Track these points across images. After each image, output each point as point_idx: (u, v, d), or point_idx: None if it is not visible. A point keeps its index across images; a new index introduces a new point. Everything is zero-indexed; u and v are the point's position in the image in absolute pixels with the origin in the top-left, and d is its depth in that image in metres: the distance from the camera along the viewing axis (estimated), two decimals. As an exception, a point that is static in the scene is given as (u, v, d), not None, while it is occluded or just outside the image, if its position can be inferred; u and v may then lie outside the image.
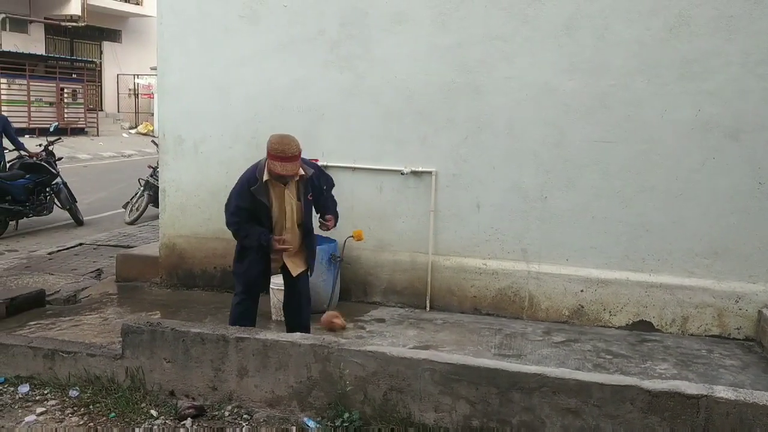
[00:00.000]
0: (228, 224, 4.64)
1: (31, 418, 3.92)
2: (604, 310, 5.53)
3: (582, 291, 5.56)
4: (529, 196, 5.64)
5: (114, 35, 29.24)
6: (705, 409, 3.36)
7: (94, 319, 5.58)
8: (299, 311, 4.82)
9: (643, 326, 5.44)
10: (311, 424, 3.86)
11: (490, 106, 5.65)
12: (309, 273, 4.82)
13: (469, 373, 3.70)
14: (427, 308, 5.94)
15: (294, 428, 3.85)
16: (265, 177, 4.42)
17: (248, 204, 4.49)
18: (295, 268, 4.71)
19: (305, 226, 4.70)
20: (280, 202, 4.53)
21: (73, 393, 4.17)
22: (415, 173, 5.85)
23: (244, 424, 3.90)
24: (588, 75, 5.41)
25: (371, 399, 3.85)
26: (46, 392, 4.21)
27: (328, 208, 4.77)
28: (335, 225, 4.77)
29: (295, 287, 4.78)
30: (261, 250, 4.56)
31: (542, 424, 3.59)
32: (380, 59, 5.84)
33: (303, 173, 4.49)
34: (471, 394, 3.69)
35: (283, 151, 4.27)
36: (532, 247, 5.67)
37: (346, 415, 3.81)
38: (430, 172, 5.81)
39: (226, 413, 4.01)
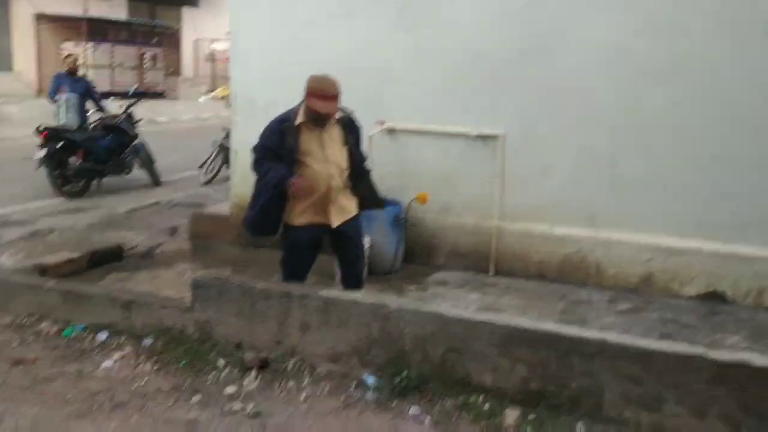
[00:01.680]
0: (252, 164, 4.45)
1: (108, 363, 4.15)
2: (674, 279, 5.37)
3: (651, 259, 5.41)
4: (600, 162, 5.50)
5: (192, 0, 29.84)
6: (774, 381, 3.25)
7: (168, 274, 5.83)
8: (354, 262, 4.68)
9: (714, 298, 5.26)
10: (370, 380, 3.94)
11: (560, 68, 5.50)
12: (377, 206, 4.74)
13: (529, 337, 3.69)
14: (491, 273, 5.92)
15: (354, 383, 3.95)
16: (300, 119, 4.29)
17: (275, 144, 4.32)
18: (342, 216, 4.47)
19: (356, 171, 4.51)
20: (320, 149, 4.34)
21: (147, 342, 4.39)
22: (481, 137, 5.79)
23: (306, 377, 4.02)
24: (664, 36, 5.19)
25: (429, 358, 3.90)
26: (122, 340, 4.45)
27: (359, 172, 4.55)
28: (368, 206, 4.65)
29: (345, 236, 4.54)
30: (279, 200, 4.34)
31: (601, 389, 3.55)
32: (449, 21, 5.76)
33: (340, 115, 4.37)
34: (530, 357, 3.68)
35: (323, 89, 4.18)
36: (601, 213, 5.54)
37: (405, 373, 3.87)
38: (497, 136, 5.74)
39: (290, 366, 4.13)
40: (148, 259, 6.37)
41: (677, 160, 5.27)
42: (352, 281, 4.68)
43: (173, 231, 7.31)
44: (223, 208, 7.18)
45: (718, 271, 5.26)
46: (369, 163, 4.69)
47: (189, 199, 8.96)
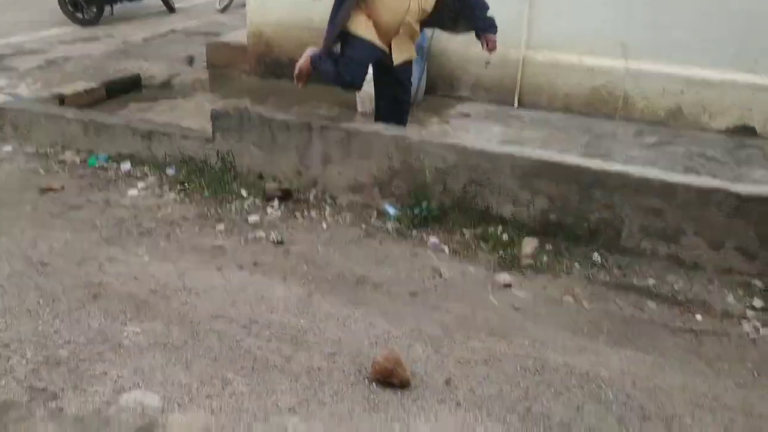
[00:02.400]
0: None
1: (133, 192, 4.23)
2: (704, 112, 5.22)
3: (682, 92, 5.22)
4: (636, -14, 5.15)
5: None
6: (796, 215, 3.23)
7: (187, 104, 5.78)
8: (399, 111, 4.32)
9: (744, 131, 5.13)
10: (391, 210, 3.99)
11: None
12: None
13: (550, 169, 3.65)
14: (515, 105, 5.78)
15: (375, 214, 4.00)
16: None
17: None
18: (401, 56, 4.09)
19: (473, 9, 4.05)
20: None
21: (170, 171, 4.43)
22: (511, -42, 5.40)
23: (327, 207, 4.07)
24: None
25: (450, 190, 3.91)
26: (145, 170, 4.50)
27: (474, 15, 4.05)
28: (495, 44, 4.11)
29: (398, 78, 4.20)
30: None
31: (621, 222, 3.57)
32: None
33: None
34: (551, 189, 3.67)
35: None
36: (633, 42, 5.28)
37: (425, 204, 3.91)
38: (528, -43, 5.35)
39: (311, 197, 4.19)
40: (166, 89, 6.29)
41: (719, -16, 4.92)
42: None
43: (190, 60, 7.16)
44: (240, 36, 6.95)
45: (750, 104, 5.08)
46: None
47: (205, 27, 8.70)
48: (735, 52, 5.02)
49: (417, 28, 4.05)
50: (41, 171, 4.48)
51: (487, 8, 4.08)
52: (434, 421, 2.38)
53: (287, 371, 2.62)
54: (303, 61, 4.11)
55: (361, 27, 3.94)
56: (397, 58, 4.06)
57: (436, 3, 3.95)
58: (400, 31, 3.97)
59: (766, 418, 2.47)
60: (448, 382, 2.61)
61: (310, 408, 2.42)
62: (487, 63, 5.26)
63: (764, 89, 5.00)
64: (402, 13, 3.89)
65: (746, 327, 3.06)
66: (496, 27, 4.09)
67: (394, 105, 4.30)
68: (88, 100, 5.62)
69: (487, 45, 4.09)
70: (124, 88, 6.05)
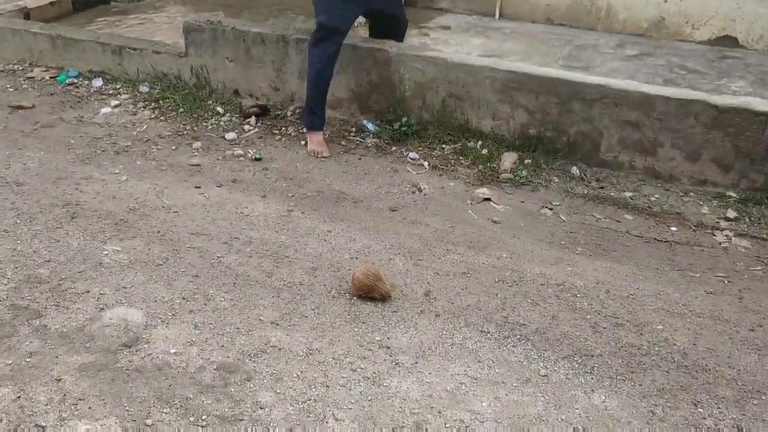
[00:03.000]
0: None
1: (106, 110, 4.14)
2: (687, 23, 5.15)
3: (665, 1, 5.13)
4: None
5: None
6: (773, 126, 3.25)
7: (159, 18, 5.58)
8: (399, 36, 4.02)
9: (726, 42, 5.08)
10: (370, 126, 3.95)
11: None
12: None
13: (530, 82, 3.61)
14: (497, 16, 5.66)
15: (354, 129, 3.96)
16: None
17: None
18: None
19: None
20: None
21: (143, 88, 4.33)
22: None
23: (305, 123, 4.02)
24: None
25: (429, 105, 3.87)
26: (118, 87, 4.39)
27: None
28: None
29: (389, 12, 3.90)
30: None
31: (600, 135, 3.57)
32: None
33: None
34: (530, 103, 3.64)
35: None
36: (618, -50, 5.14)
37: (405, 119, 3.87)
38: None
39: (289, 113, 4.13)
40: (136, 2, 6.06)
41: None
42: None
43: (160, -29, 6.86)
44: (210, -56, 6.64)
45: (733, 14, 5.01)
46: None
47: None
48: (720, -40, 4.91)
49: None
50: (9, 88, 4.35)
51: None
52: (414, 331, 2.44)
53: (269, 286, 2.65)
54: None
55: None
56: None
57: None
58: None
59: (733, 323, 2.56)
60: (427, 293, 2.66)
61: (292, 321, 2.46)
62: None
63: (748, -2, 4.93)
64: None
65: (719, 237, 3.13)
66: None
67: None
68: (54, 14, 5.42)
69: None
70: (91, 1, 5.82)
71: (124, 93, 4.32)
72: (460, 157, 3.71)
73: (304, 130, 3.84)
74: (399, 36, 4.04)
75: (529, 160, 3.65)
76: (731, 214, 3.27)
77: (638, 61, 4.77)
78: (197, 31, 4.22)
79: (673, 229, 3.19)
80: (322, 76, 3.67)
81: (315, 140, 3.74)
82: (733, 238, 3.12)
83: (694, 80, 4.44)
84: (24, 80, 4.46)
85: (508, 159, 3.62)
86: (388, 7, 3.88)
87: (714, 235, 3.14)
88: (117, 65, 4.47)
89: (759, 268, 2.92)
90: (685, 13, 5.13)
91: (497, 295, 2.67)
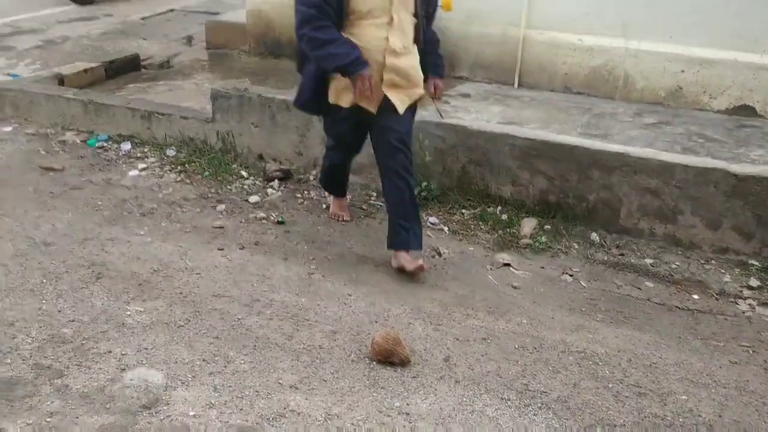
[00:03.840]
0: (302, 21, 2.97)
1: (134, 172, 4.24)
2: (704, 92, 5.21)
3: (683, 71, 5.21)
4: (637, -36, 5.13)
5: None
6: (794, 195, 3.25)
7: (187, 84, 5.76)
8: (393, 155, 3.19)
9: (744, 111, 5.13)
10: (391, 191, 4.00)
11: None
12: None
13: (550, 149, 3.67)
14: (516, 85, 5.77)
15: (375, 193, 4.02)
16: None
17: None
18: (403, 103, 3.19)
19: (425, 46, 3.29)
20: (384, 7, 3.04)
21: (170, 152, 4.45)
22: (512, -64, 5.37)
23: (327, 187, 4.09)
24: None
25: (449, 171, 3.93)
26: (146, 150, 4.51)
27: (430, 55, 3.33)
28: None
29: (395, 125, 3.17)
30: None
31: (619, 202, 3.60)
32: None
33: None
34: (550, 169, 3.69)
35: None
36: (634, 22, 5.26)
37: (425, 184, 3.93)
38: (528, -65, 5.32)
39: (311, 177, 4.20)
40: (165, 69, 6.28)
41: (722, -38, 4.89)
42: (392, 191, 3.25)
43: (189, 40, 7.13)
44: (239, 15, 6.90)
45: (750, 84, 5.07)
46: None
47: (204, 7, 8.64)
48: (735, 32, 5.00)
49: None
50: (42, 151, 4.49)
51: (438, 43, 3.50)
52: (434, 397, 2.42)
53: (288, 349, 2.66)
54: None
55: (339, 94, 3.18)
56: (403, 104, 3.19)
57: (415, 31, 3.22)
58: (384, 74, 3.12)
59: (759, 395, 2.51)
60: (447, 359, 2.65)
61: (311, 385, 2.46)
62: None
63: (765, 69, 4.99)
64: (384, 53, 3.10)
65: (742, 306, 3.10)
66: (444, 68, 3.50)
67: (390, 156, 3.21)
68: (87, 80, 5.61)
69: (435, 91, 3.41)
70: (123, 68, 6.03)
71: (151, 156, 4.44)
72: (480, 223, 3.74)
73: (326, 194, 3.90)
74: (395, 163, 3.22)
75: (549, 226, 3.67)
76: (754, 282, 3.24)
77: (657, 129, 4.82)
78: (224, 98, 4.35)
79: (695, 297, 3.16)
80: (330, 157, 3.61)
81: (336, 204, 3.80)
82: (756, 308, 3.08)
83: (712, 149, 4.47)
84: (56, 143, 4.60)
85: (528, 225, 3.65)
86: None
87: (737, 304, 3.11)
88: (146, 129, 4.60)
89: (784, 338, 2.88)
90: (702, 83, 5.20)
91: (518, 361, 2.65)
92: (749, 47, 5.00)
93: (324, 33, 2.96)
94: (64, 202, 3.84)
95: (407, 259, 3.18)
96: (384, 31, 3.07)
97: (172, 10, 8.52)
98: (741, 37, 5.00)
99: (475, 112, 5.18)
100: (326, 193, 3.91)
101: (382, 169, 3.27)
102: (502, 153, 3.77)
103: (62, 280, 3.06)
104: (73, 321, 2.77)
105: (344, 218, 3.75)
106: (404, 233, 3.21)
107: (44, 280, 3.05)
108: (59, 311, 2.84)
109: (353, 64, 2.97)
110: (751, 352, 2.78)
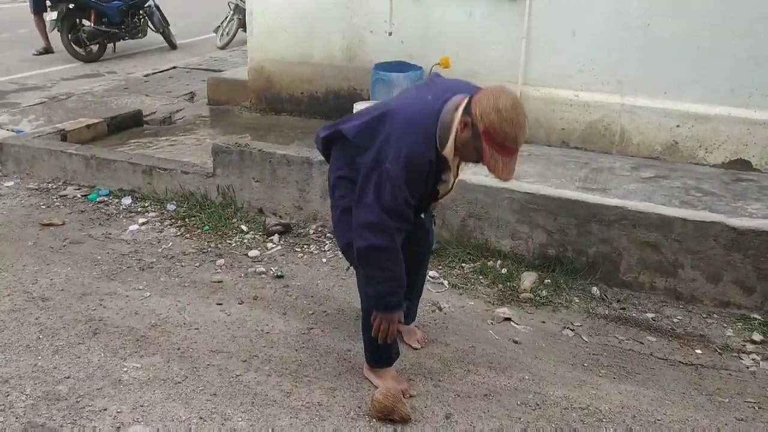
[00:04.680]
0: (379, 229, 2.41)
1: (134, 227, 4.25)
2: (700, 147, 5.27)
3: (678, 126, 5.28)
4: (631, 23, 5.24)
5: None
6: (793, 249, 3.26)
7: (188, 139, 5.83)
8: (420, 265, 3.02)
9: (740, 165, 5.17)
10: (390, 245, 4.00)
11: None
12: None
13: (549, 203, 3.69)
14: (513, 140, 5.84)
15: (374, 248, 4.01)
16: (448, 152, 2.44)
17: (416, 192, 2.44)
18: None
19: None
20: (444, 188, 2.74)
21: (171, 207, 4.46)
22: (507, -4, 5.51)
23: (327, 241, 4.09)
24: None
25: (449, 224, 3.93)
26: (146, 205, 4.53)
27: None
28: None
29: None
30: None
31: (619, 256, 3.59)
32: None
33: None
34: (549, 223, 3.70)
35: (517, 138, 2.37)
36: (629, 78, 5.35)
37: (424, 238, 3.92)
38: (523, -4, 5.46)
39: (311, 231, 4.21)
40: (167, 124, 6.35)
41: (713, 21, 5.00)
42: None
43: (191, 96, 7.24)
44: (241, 72, 7.04)
45: (745, 138, 5.13)
46: None
47: (205, 64, 8.80)
48: (729, 88, 5.08)
49: None
50: (42, 206, 4.51)
51: None
52: (435, 456, 2.37)
53: (287, 406, 2.61)
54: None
55: None
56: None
57: None
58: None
59: (767, 453, 2.46)
60: (448, 416, 2.60)
61: (310, 443, 2.41)
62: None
63: (759, 124, 5.06)
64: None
65: (746, 361, 3.07)
66: None
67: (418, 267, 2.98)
68: (89, 136, 5.67)
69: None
70: (125, 124, 6.11)
71: (151, 211, 4.45)
72: (480, 276, 3.73)
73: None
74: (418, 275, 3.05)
75: (549, 280, 3.65)
76: (757, 337, 3.21)
77: (654, 183, 4.86)
78: (225, 153, 4.39)
79: (698, 351, 3.13)
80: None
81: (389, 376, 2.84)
82: (760, 363, 3.05)
83: (710, 202, 4.49)
84: (57, 198, 4.62)
85: (528, 279, 3.63)
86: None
87: (741, 359, 3.08)
88: (147, 184, 4.63)
89: (790, 393, 2.83)
90: (697, 138, 5.26)
91: (520, 418, 2.60)
92: (743, 103, 5.08)
93: (390, 262, 2.46)
94: (63, 257, 3.83)
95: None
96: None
97: (174, 68, 8.67)
98: (734, 92, 5.08)
99: (473, 165, 5.21)
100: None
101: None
102: (501, 207, 3.79)
103: (59, 336, 3.03)
104: (68, 378, 2.74)
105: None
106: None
107: (40, 336, 3.02)
108: (55, 368, 2.80)
109: (393, 306, 2.52)
110: (756, 408, 2.74)
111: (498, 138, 2.33)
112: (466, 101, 2.42)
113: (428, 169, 2.40)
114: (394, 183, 2.37)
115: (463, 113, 2.39)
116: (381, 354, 2.76)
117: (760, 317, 3.34)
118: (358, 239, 2.46)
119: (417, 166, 2.38)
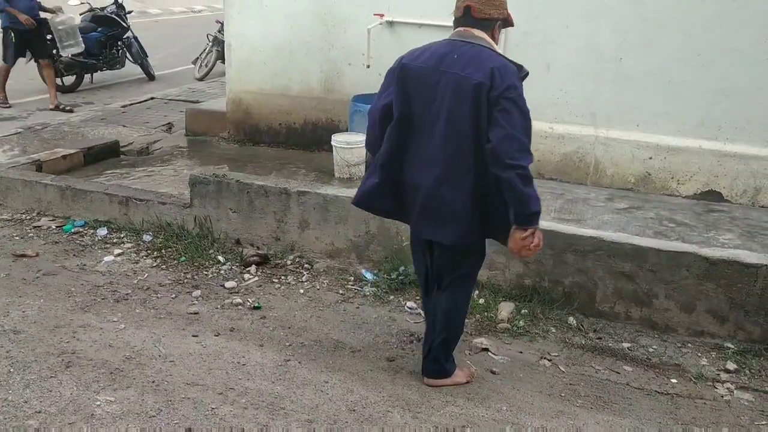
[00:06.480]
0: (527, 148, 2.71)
1: (109, 258, 4.20)
2: (672, 178, 5.37)
3: (650, 158, 5.38)
4: (603, 57, 5.36)
5: None
6: (763, 278, 3.31)
7: (165, 170, 5.81)
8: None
9: (711, 196, 5.28)
10: (368, 275, 4.01)
11: (567, -43, 5.27)
12: None
13: (525, 234, 3.71)
14: (489, 171, 5.90)
15: (352, 279, 4.02)
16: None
17: None
18: None
19: None
20: None
21: (147, 237, 4.43)
22: (483, 31, 5.61)
23: (305, 272, 4.08)
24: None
25: (427, 255, 3.94)
26: (122, 236, 4.49)
27: None
28: None
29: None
30: None
31: (595, 286, 3.63)
32: None
33: None
34: (525, 254, 3.72)
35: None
36: (602, 111, 5.46)
37: (402, 268, 3.94)
38: (499, 30, 5.56)
39: (289, 262, 4.20)
40: (144, 155, 6.33)
41: (682, 55, 5.13)
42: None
43: (169, 127, 7.23)
44: (219, 103, 7.06)
45: (716, 170, 5.24)
46: None
47: (184, 95, 8.81)
48: (699, 120, 5.21)
49: None
50: (16, 237, 4.45)
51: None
52: (413, 489, 2.35)
53: (263, 440, 2.58)
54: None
55: None
56: None
57: None
58: None
59: (743, 482, 2.47)
60: (426, 448, 2.59)
61: (286, 477, 2.38)
62: None
63: (728, 156, 5.17)
64: None
65: (720, 390, 3.09)
66: None
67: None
68: (65, 167, 5.64)
69: None
70: (102, 155, 6.08)
71: (127, 242, 4.41)
72: (458, 307, 3.73)
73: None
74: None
75: (526, 310, 3.67)
76: (731, 365, 3.25)
77: (628, 214, 4.93)
78: (203, 184, 4.38)
79: (674, 381, 3.16)
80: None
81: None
82: (735, 391, 3.08)
83: (683, 233, 4.57)
84: (30, 229, 4.57)
85: (505, 309, 3.65)
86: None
87: (715, 388, 3.11)
88: (123, 215, 4.60)
89: (765, 422, 2.86)
90: (670, 169, 5.36)
91: (498, 450, 2.60)
92: (713, 135, 5.20)
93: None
94: (36, 289, 3.77)
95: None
96: None
97: (152, 98, 8.67)
98: (704, 125, 5.20)
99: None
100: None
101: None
102: (478, 237, 3.81)
103: (30, 369, 2.98)
104: (39, 412, 2.68)
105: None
106: None
107: (11, 370, 2.97)
108: (25, 402, 2.74)
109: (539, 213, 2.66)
110: (732, 437, 2.76)
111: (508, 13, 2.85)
112: None
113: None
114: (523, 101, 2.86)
115: None
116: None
117: (733, 346, 3.38)
118: (509, 172, 2.63)
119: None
